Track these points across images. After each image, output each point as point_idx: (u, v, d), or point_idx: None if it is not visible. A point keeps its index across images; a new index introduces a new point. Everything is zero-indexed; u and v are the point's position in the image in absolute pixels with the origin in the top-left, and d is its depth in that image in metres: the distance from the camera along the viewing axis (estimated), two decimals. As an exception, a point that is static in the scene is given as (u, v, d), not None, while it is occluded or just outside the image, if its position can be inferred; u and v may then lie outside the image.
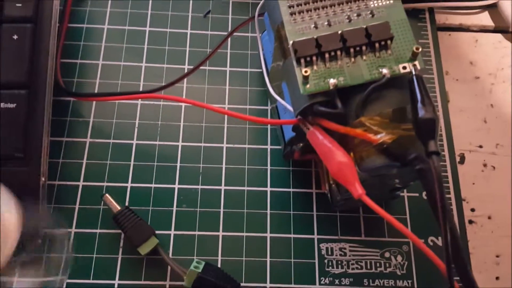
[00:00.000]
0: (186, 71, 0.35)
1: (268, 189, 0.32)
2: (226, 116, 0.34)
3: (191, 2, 0.38)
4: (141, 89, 0.34)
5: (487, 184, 0.34)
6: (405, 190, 0.33)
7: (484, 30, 0.39)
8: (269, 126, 0.34)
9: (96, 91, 0.34)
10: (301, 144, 0.30)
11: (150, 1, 0.37)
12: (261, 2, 0.29)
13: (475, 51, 0.38)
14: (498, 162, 0.34)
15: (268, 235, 0.31)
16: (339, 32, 0.25)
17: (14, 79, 0.30)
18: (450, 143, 0.34)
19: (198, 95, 0.35)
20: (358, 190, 0.23)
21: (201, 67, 0.35)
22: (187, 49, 0.36)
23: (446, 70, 0.37)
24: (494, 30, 0.39)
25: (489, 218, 0.33)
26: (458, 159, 0.34)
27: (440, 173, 0.21)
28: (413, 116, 0.22)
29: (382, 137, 0.23)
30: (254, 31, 0.31)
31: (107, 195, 0.30)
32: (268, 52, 0.32)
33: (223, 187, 0.32)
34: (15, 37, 0.31)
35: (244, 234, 0.31)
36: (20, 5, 0.32)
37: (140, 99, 0.34)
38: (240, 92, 0.35)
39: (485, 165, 0.34)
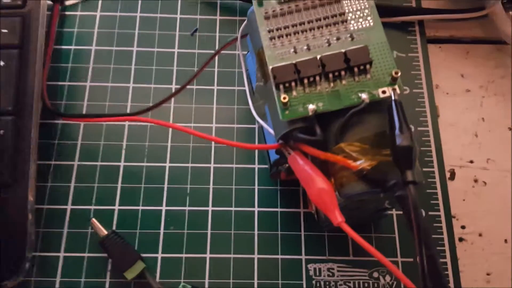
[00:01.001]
0: (173, 90, 0.35)
1: (256, 209, 0.32)
2: (213, 134, 0.34)
3: (178, 20, 0.38)
4: (128, 110, 0.35)
5: (478, 201, 0.33)
6: (393, 209, 0.32)
7: (475, 41, 0.39)
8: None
9: (84, 113, 0.34)
10: (286, 165, 0.30)
11: (138, 21, 0.37)
12: (244, 23, 0.29)
13: (466, 63, 0.38)
14: (490, 177, 0.34)
15: (256, 256, 0.31)
16: (318, 57, 0.25)
17: (1, 107, 0.30)
18: (440, 158, 0.34)
19: (186, 114, 0.35)
20: (337, 218, 0.23)
21: (188, 86, 0.35)
22: (175, 68, 0.36)
23: (436, 84, 0.37)
24: (486, 41, 0.39)
25: (480, 235, 0.32)
26: (448, 175, 0.34)
27: (417, 203, 0.21)
28: (391, 144, 0.22)
29: (362, 163, 0.23)
30: (242, 49, 0.31)
31: (93, 219, 0.30)
32: (253, 72, 0.32)
33: (210, 208, 0.32)
34: (1, 63, 0.31)
35: (232, 255, 0.31)
36: (6, 31, 0.32)
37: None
38: (227, 111, 0.35)
39: (476, 181, 0.34)
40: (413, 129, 0.35)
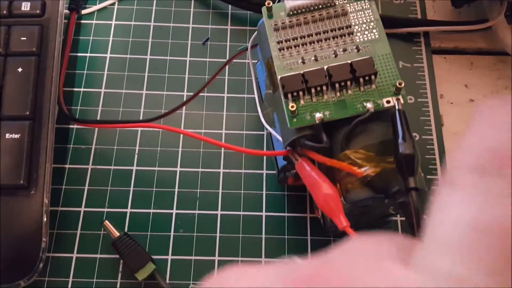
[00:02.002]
0: (185, 97, 0.36)
1: (264, 213, 0.33)
2: (223, 140, 0.35)
3: (190, 30, 0.39)
4: (141, 116, 0.36)
5: (480, 208, 0.34)
6: (398, 215, 0.33)
7: (479, 52, 0.39)
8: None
9: (98, 119, 0.35)
10: (294, 171, 0.31)
11: (151, 30, 0.39)
12: (254, 34, 0.30)
13: (470, 73, 0.39)
14: (492, 185, 0.35)
15: (263, 259, 0.32)
16: (325, 67, 0.26)
17: (19, 112, 0.31)
18: (444, 166, 0.35)
19: (197, 121, 0.36)
20: (342, 223, 0.24)
21: (200, 94, 0.36)
22: (186, 76, 0.37)
23: (441, 94, 0.38)
24: (490, 52, 0.39)
25: (482, 242, 0.33)
26: (451, 183, 0.35)
27: (419, 208, 0.22)
28: (395, 152, 0.23)
29: (366, 170, 0.24)
30: (252, 57, 0.32)
31: (106, 221, 0.31)
32: (262, 81, 0.33)
33: (219, 212, 0.33)
34: (19, 70, 0.32)
35: (240, 258, 0.32)
36: (24, 38, 0.33)
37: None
38: (237, 118, 0.36)
39: (478, 189, 0.35)
40: (417, 138, 0.35)
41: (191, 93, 0.36)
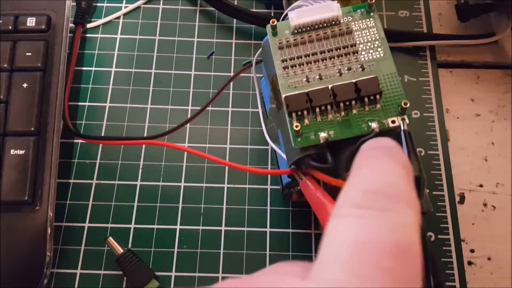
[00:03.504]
0: (189, 112, 0.36)
1: (268, 229, 0.33)
2: (227, 155, 0.35)
3: (195, 44, 0.39)
4: (146, 131, 0.36)
5: (487, 225, 0.34)
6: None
7: (486, 66, 0.39)
8: (269, 166, 0.35)
9: (103, 133, 0.35)
10: (298, 187, 0.31)
11: (156, 44, 0.39)
12: (259, 51, 0.30)
13: (476, 87, 0.38)
14: (499, 201, 0.34)
15: (267, 276, 0.32)
16: (330, 86, 0.25)
17: (23, 128, 0.31)
18: (450, 182, 0.34)
19: (201, 135, 0.36)
20: (347, 244, 0.24)
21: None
22: (191, 90, 0.37)
23: (447, 108, 0.37)
24: (496, 66, 0.39)
25: (489, 259, 0.33)
26: (458, 199, 0.34)
27: (425, 232, 0.22)
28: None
29: (371, 191, 0.24)
30: (256, 72, 0.32)
31: (110, 238, 0.31)
32: (267, 97, 0.32)
33: (223, 228, 0.33)
34: (25, 85, 0.32)
35: (244, 275, 0.32)
36: (30, 54, 0.33)
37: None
38: (241, 132, 0.36)
39: (485, 205, 0.34)
40: (422, 153, 0.35)
41: (196, 107, 0.36)
